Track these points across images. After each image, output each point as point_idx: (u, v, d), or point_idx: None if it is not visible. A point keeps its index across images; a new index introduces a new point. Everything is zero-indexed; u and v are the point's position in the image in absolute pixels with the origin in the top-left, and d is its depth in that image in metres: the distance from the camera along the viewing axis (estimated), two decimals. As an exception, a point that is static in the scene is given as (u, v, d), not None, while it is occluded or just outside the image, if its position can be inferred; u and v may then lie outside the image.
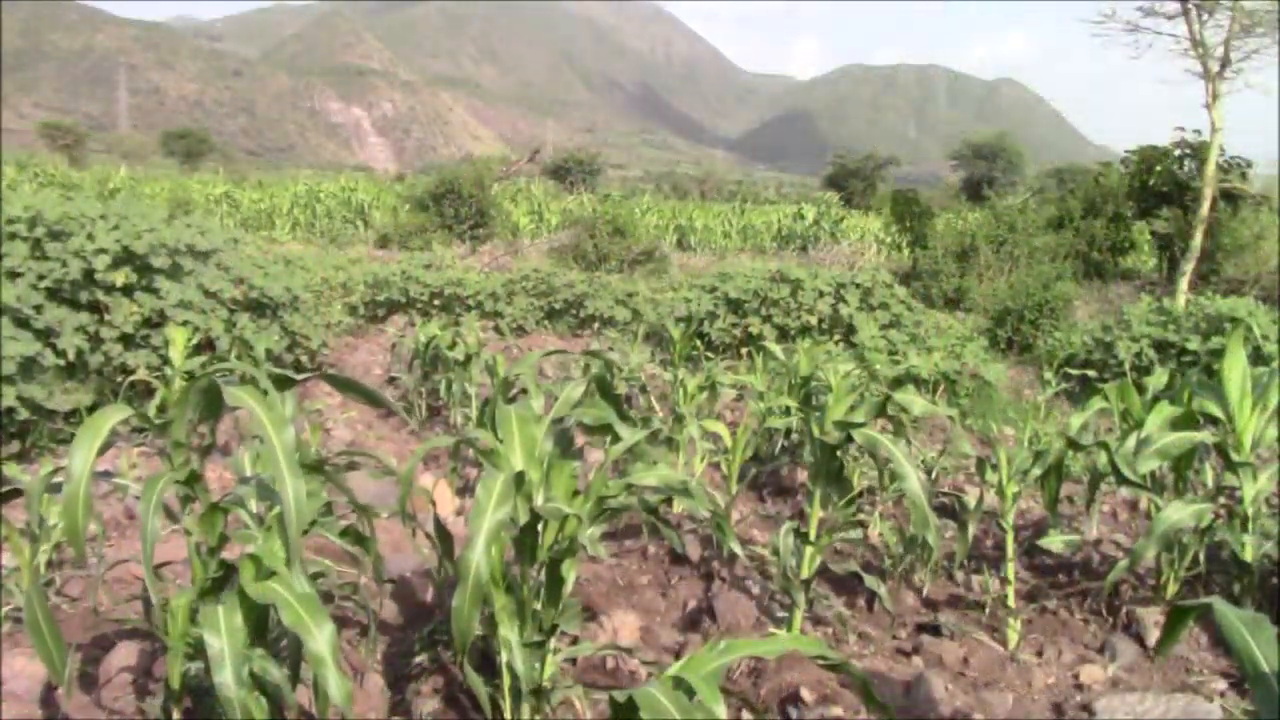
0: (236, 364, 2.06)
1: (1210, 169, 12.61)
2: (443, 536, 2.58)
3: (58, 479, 2.02)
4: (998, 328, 10.25)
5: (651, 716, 1.59)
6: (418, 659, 2.86)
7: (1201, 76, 12.49)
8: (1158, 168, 14.46)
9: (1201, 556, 3.74)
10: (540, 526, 2.41)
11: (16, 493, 2.23)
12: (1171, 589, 3.58)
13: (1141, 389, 4.16)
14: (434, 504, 2.84)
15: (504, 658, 2.42)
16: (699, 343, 8.91)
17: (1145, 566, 3.78)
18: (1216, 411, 3.54)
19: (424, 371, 6.38)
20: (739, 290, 9.36)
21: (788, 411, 4.56)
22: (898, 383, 6.68)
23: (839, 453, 3.18)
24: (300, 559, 1.97)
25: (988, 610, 3.53)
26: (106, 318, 5.44)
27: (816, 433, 3.16)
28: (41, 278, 5.25)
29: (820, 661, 1.82)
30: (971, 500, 3.61)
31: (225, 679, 1.87)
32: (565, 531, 2.45)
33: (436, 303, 10.26)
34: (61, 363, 5.14)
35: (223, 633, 1.91)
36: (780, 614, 3.36)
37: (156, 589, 2.03)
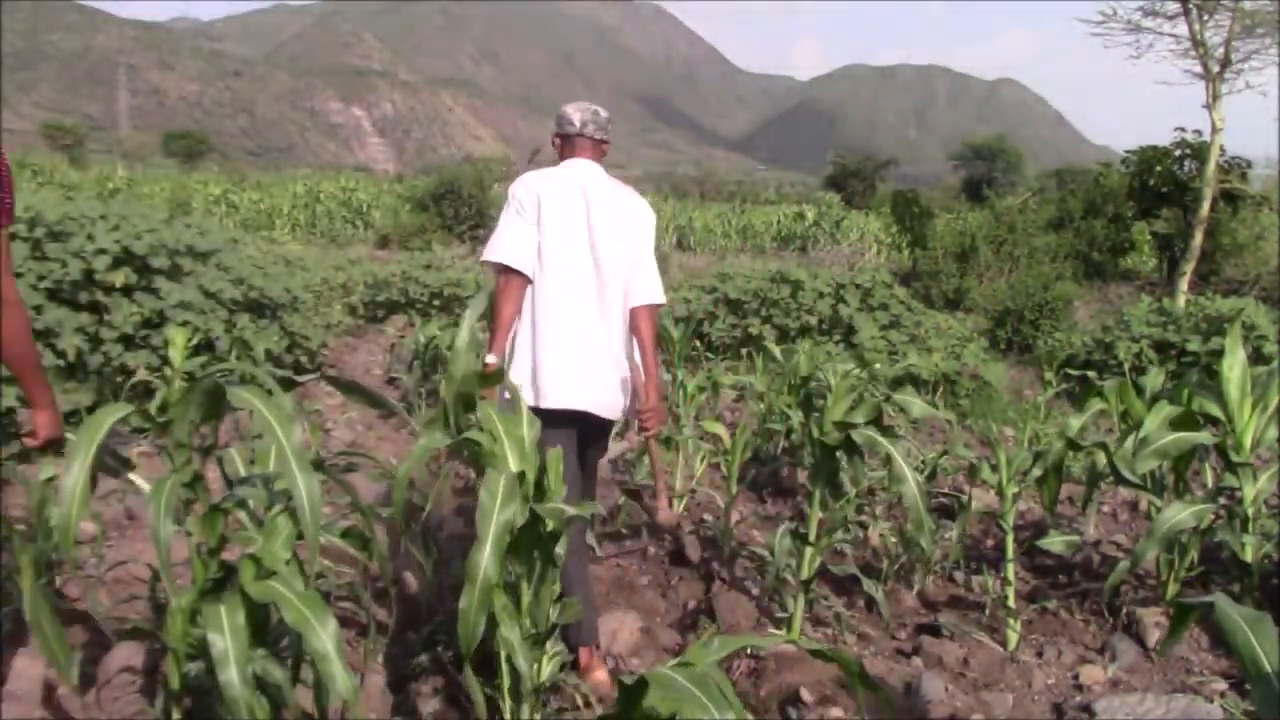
0: (237, 365, 2.06)
1: (1210, 169, 12.60)
2: (426, 544, 2.57)
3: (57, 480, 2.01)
4: (998, 328, 10.24)
5: (665, 694, 1.55)
6: (418, 659, 2.86)
7: (1201, 77, 12.49)
8: (1158, 168, 14.44)
9: (1199, 557, 3.74)
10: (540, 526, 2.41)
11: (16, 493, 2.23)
12: (1171, 590, 3.58)
13: (1141, 389, 4.16)
14: (421, 510, 2.80)
15: (504, 657, 2.41)
16: (699, 343, 8.91)
17: (1145, 567, 3.77)
18: (1216, 412, 3.53)
19: (424, 372, 6.37)
20: (739, 290, 9.35)
21: (786, 416, 4.56)
22: (898, 383, 6.68)
23: (838, 454, 3.17)
24: (314, 558, 1.96)
25: (988, 610, 3.53)
26: (106, 318, 5.44)
27: (816, 433, 3.17)
28: (41, 278, 5.25)
29: (816, 655, 1.80)
30: (970, 501, 3.61)
31: (230, 678, 1.87)
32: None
33: (436, 303, 10.26)
34: (61, 363, 5.14)
35: (226, 632, 1.90)
36: (780, 615, 3.36)
37: (173, 592, 2.02)
